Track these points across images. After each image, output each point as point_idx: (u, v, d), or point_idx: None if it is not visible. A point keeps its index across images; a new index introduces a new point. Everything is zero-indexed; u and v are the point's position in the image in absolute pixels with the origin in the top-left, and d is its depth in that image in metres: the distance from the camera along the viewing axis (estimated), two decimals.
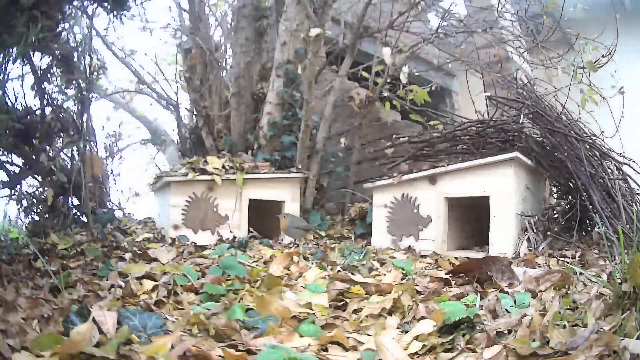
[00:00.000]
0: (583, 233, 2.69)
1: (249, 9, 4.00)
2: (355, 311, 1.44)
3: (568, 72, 3.52)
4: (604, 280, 1.47)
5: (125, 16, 1.99)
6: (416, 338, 1.18)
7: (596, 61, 3.44)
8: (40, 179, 2.49)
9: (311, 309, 1.42)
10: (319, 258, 2.13)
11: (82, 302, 1.25)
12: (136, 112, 6.28)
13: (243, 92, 3.89)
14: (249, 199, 2.78)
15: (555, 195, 2.87)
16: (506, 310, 1.29)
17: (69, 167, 2.56)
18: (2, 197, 2.42)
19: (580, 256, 2.15)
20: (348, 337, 1.19)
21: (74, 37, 2.45)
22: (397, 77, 3.50)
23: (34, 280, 1.54)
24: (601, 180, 2.55)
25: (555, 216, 2.61)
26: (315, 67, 3.28)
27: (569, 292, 1.38)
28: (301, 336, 1.18)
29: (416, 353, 1.11)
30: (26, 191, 2.50)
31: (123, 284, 1.53)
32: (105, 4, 1.88)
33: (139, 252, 2.14)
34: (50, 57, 2.25)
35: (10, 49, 1.74)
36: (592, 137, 2.85)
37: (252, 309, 1.35)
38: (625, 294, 1.08)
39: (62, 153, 2.59)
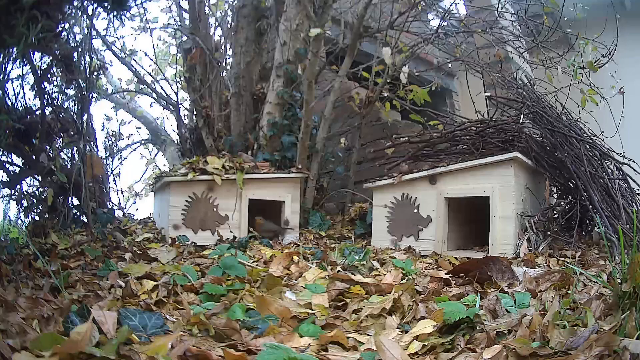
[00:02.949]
0: (583, 233, 2.69)
1: (249, 9, 4.00)
2: (355, 311, 1.44)
3: (568, 72, 3.52)
4: (604, 280, 1.47)
5: (125, 16, 1.99)
6: (416, 338, 1.18)
7: (596, 61, 3.44)
8: (40, 179, 2.49)
9: (311, 309, 1.42)
10: (319, 258, 2.13)
11: (82, 302, 1.25)
12: (136, 112, 6.27)
13: (243, 92, 3.89)
14: (249, 199, 2.78)
15: (555, 195, 2.87)
16: (506, 310, 1.29)
17: (69, 167, 2.57)
18: (2, 197, 2.42)
19: (580, 256, 2.14)
20: (348, 337, 1.19)
21: (74, 37, 2.45)
22: (397, 77, 3.49)
23: (34, 280, 1.54)
24: (601, 180, 2.55)
25: (555, 216, 2.61)
26: (315, 67, 3.28)
27: (569, 292, 1.38)
28: (301, 336, 1.18)
29: (416, 353, 1.11)
30: (26, 191, 2.51)
31: (123, 284, 1.53)
32: (105, 4, 1.88)
33: (139, 252, 2.14)
34: (50, 57, 2.25)
35: (10, 49, 1.74)
36: (592, 137, 2.85)
37: (252, 309, 1.35)
38: (625, 294, 1.08)
39: (62, 153, 2.59)
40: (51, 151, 2.45)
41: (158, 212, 3.30)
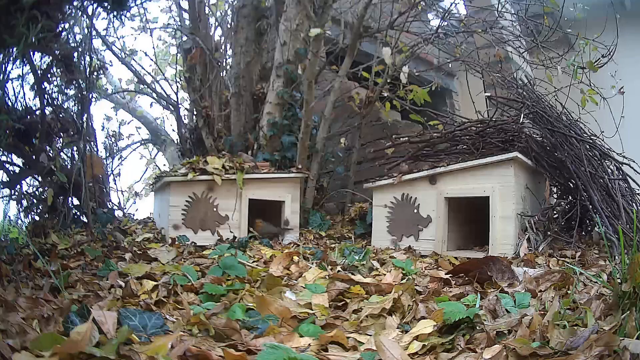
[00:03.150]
0: (583, 233, 2.69)
1: (249, 9, 4.00)
2: (355, 311, 1.44)
3: (568, 72, 3.52)
4: (604, 280, 1.47)
5: (125, 16, 1.99)
6: (416, 338, 1.18)
7: (596, 61, 3.44)
8: (40, 179, 2.49)
9: (311, 309, 1.42)
10: (319, 258, 2.13)
11: (82, 302, 1.25)
12: (136, 112, 6.27)
13: (243, 92, 3.89)
14: (249, 199, 2.78)
15: (555, 195, 2.87)
16: (506, 310, 1.29)
17: (69, 167, 2.57)
18: (2, 197, 2.42)
19: (580, 256, 2.14)
20: (348, 337, 1.19)
21: (74, 37, 2.46)
22: (397, 77, 3.49)
23: (34, 280, 1.54)
24: (601, 180, 2.55)
25: (555, 216, 2.61)
26: (315, 67, 3.28)
27: (569, 292, 1.38)
28: (301, 336, 1.18)
29: (416, 353, 1.11)
30: (26, 191, 2.51)
31: (123, 284, 1.53)
32: (105, 4, 1.88)
33: (139, 252, 2.14)
34: (50, 57, 2.25)
35: (10, 49, 1.74)
36: (592, 137, 2.85)
37: (252, 309, 1.35)
38: (625, 294, 1.08)
39: (62, 153, 2.59)
40: (51, 151, 2.45)
41: (158, 212, 3.30)
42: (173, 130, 5.31)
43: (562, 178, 2.71)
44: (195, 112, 4.09)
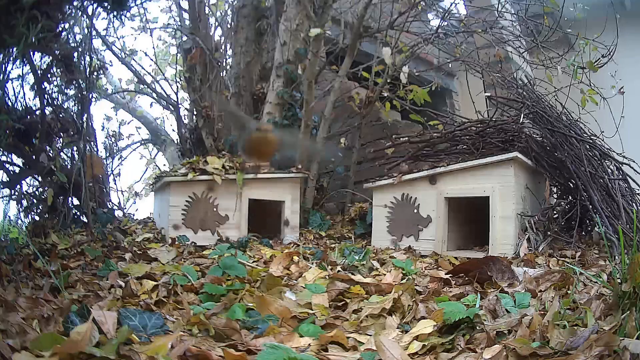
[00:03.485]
0: (583, 233, 2.69)
1: (249, 9, 4.00)
2: (355, 311, 1.44)
3: (568, 72, 3.52)
4: (604, 280, 1.47)
5: (125, 16, 1.99)
6: (416, 338, 1.18)
7: (596, 61, 3.44)
8: (40, 179, 2.49)
9: (311, 309, 1.42)
10: (319, 258, 2.13)
11: (82, 302, 1.25)
12: (136, 112, 6.26)
13: (243, 92, 3.89)
14: (249, 199, 2.78)
15: (555, 195, 2.87)
16: (506, 310, 1.29)
17: (69, 167, 2.57)
18: (2, 197, 2.42)
19: (580, 256, 2.14)
20: (348, 337, 1.19)
21: (74, 37, 2.46)
22: (397, 77, 3.49)
23: (34, 280, 1.54)
24: (601, 180, 2.55)
25: (555, 216, 2.61)
26: (315, 67, 3.28)
27: (569, 292, 1.38)
28: (301, 336, 1.18)
29: (416, 353, 1.11)
30: (26, 191, 2.51)
31: (123, 284, 1.53)
32: (105, 4, 1.88)
33: (139, 252, 2.13)
34: (50, 57, 2.25)
35: (10, 49, 1.74)
36: (592, 137, 2.85)
37: (252, 309, 1.35)
38: (625, 294, 1.08)
39: (62, 153, 2.59)
40: (51, 151, 2.45)
41: (158, 212, 3.30)
42: (173, 130, 5.31)
43: (562, 178, 2.71)
44: (195, 112, 4.09)
